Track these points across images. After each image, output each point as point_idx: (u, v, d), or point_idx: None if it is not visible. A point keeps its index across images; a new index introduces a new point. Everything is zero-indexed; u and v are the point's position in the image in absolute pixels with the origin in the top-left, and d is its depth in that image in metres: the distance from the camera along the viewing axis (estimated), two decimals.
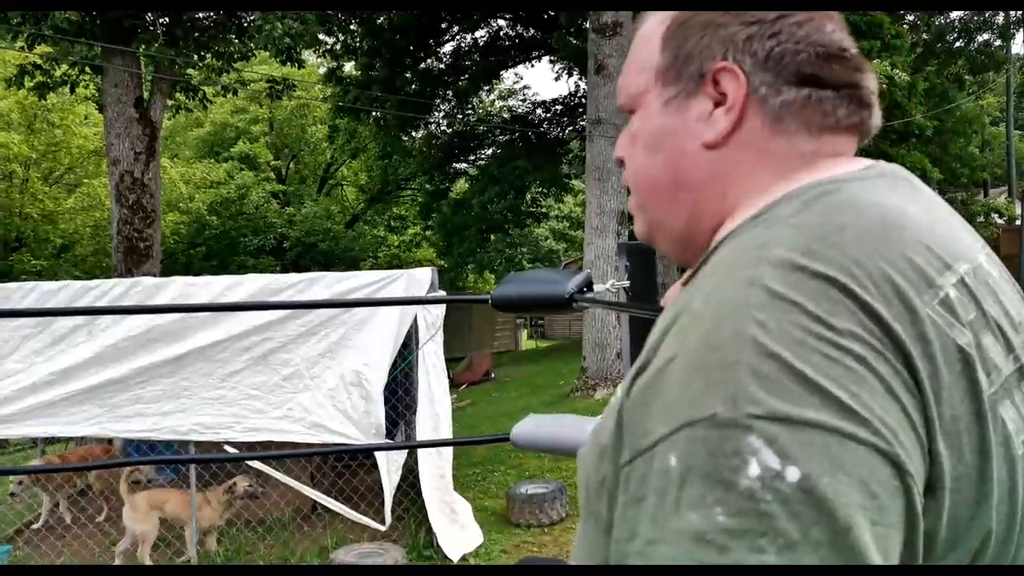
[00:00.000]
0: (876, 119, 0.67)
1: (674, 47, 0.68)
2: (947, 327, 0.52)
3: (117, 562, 4.76)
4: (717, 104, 0.65)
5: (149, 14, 9.12)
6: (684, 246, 0.72)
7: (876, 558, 0.45)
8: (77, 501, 5.58)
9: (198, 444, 4.84)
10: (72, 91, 11.14)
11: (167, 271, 13.13)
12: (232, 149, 22.50)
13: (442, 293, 5.17)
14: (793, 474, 0.45)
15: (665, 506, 0.48)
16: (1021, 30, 16.78)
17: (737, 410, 0.47)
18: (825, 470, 0.45)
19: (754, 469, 0.45)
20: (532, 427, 1.79)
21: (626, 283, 2.61)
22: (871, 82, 0.67)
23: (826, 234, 0.54)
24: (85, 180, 18.54)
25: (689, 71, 0.67)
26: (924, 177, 16.70)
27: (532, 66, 18.68)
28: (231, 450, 4.75)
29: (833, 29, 0.66)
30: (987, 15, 16.26)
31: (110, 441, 5.69)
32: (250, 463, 5.02)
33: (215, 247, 21.31)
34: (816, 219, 0.56)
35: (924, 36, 17.46)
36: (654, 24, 0.71)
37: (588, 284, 1.79)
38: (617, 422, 0.56)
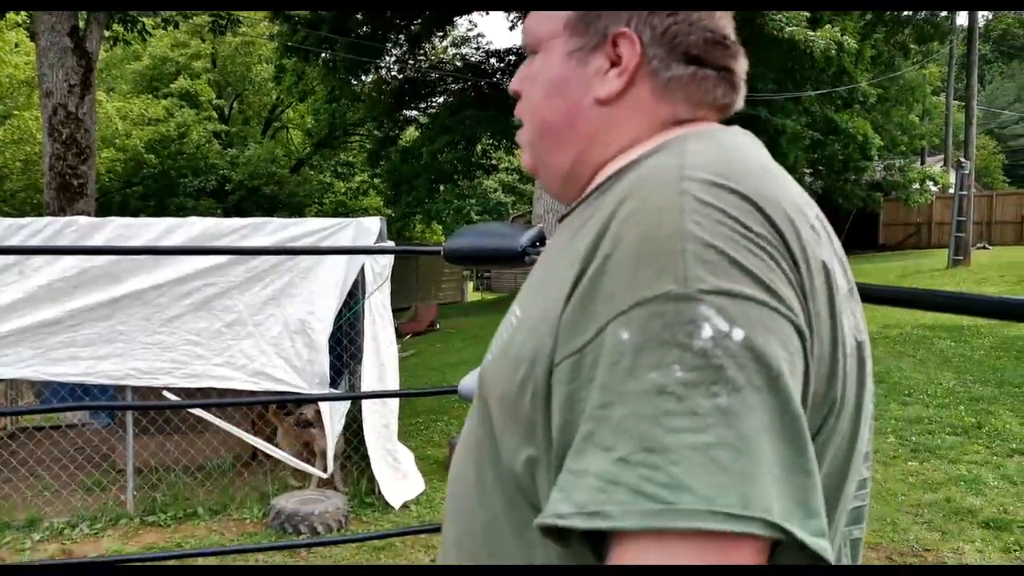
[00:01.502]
0: (741, 101, 0.79)
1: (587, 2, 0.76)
2: (815, 245, 0.64)
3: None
4: (613, 64, 0.75)
5: None
6: (564, 183, 0.81)
7: (796, 398, 0.56)
8: None
9: (135, 390, 4.75)
10: (2, 16, 10.51)
11: (102, 210, 12.66)
12: (172, 85, 21.58)
13: (391, 243, 5.12)
14: (738, 334, 0.55)
15: (617, 373, 0.56)
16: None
17: (688, 287, 0.56)
18: (760, 332, 0.56)
19: (707, 332, 0.55)
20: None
21: None
22: (743, 67, 0.78)
23: (730, 164, 0.64)
24: (15, 112, 17.63)
25: (595, 27, 0.75)
26: (866, 142, 17.07)
27: (487, 14, 18.31)
28: (171, 396, 4.67)
29: (721, 16, 0.76)
30: None
31: None
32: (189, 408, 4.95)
33: (153, 187, 20.57)
34: (716, 154, 0.66)
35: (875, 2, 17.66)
36: None
37: (541, 239, 1.80)
38: (552, 328, 0.63)
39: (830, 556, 0.54)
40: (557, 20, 0.78)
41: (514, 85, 0.84)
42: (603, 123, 0.76)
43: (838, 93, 15.77)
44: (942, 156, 24.72)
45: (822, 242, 0.65)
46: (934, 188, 21.55)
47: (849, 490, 0.69)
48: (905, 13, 17.02)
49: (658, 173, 0.64)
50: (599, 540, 0.56)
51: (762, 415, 0.54)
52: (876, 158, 18.37)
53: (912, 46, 19.54)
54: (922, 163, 25.02)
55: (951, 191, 18.35)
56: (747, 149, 0.70)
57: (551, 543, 0.58)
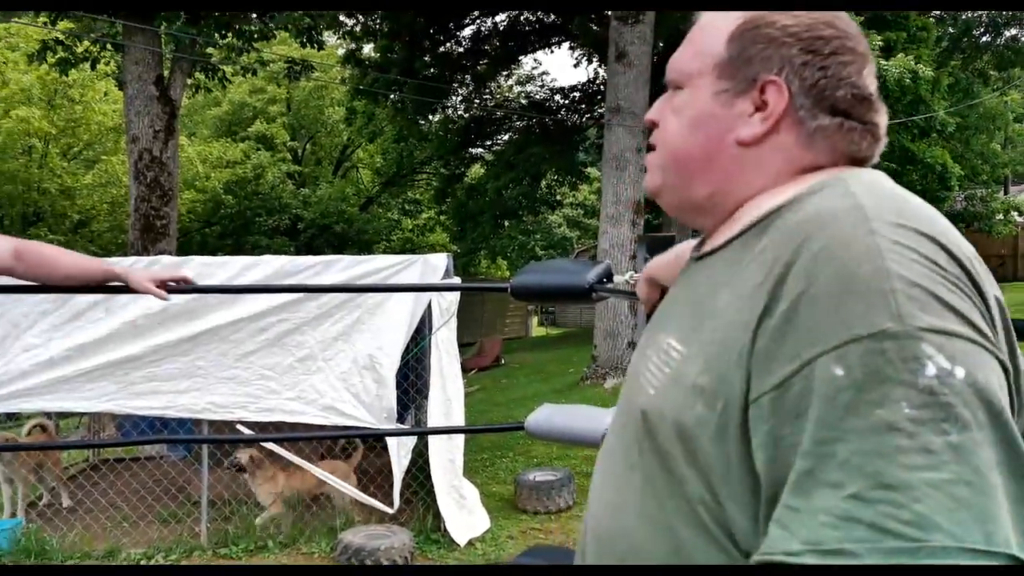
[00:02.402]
0: (879, 154, 0.81)
1: (739, 47, 0.78)
2: (988, 284, 0.65)
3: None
4: (757, 108, 0.77)
5: None
6: (692, 212, 0.85)
7: (1017, 432, 0.57)
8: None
9: (211, 423, 4.88)
10: (93, 67, 11.15)
11: (182, 249, 13.18)
12: (249, 129, 22.49)
13: (457, 279, 5.17)
14: (960, 372, 0.56)
15: (835, 410, 0.57)
16: None
17: (906, 325, 0.57)
18: (979, 369, 0.57)
19: (931, 369, 0.56)
20: (546, 417, 1.79)
21: None
22: (885, 121, 0.80)
23: (903, 206, 0.66)
24: (103, 156, 18.61)
25: (745, 72, 0.78)
26: (945, 173, 16.49)
27: (551, 52, 18.52)
28: (244, 430, 4.78)
29: (868, 72, 0.78)
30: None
31: (43, 428, 5.68)
32: (262, 443, 5.05)
33: (230, 226, 21.36)
34: (886, 196, 0.68)
35: (950, 30, 17.20)
36: (726, 18, 0.81)
37: (608, 275, 1.79)
38: (737, 362, 0.64)
39: None
40: (706, 60, 0.81)
41: (652, 115, 0.88)
42: (741, 163, 0.79)
43: (914, 122, 15.33)
44: None
45: (991, 279, 0.67)
46: (1019, 219, 20.62)
47: None
48: (984, 39, 16.50)
49: (837, 213, 0.66)
50: None
51: (990, 451, 0.55)
52: (956, 188, 17.71)
53: (992, 72, 18.89)
54: (1006, 192, 24.01)
55: None
56: (901, 190, 0.72)
57: None
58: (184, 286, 2.07)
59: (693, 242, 0.94)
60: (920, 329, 0.57)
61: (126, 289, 1.95)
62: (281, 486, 4.97)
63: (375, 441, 5.75)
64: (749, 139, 0.77)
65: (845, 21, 0.78)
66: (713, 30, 0.81)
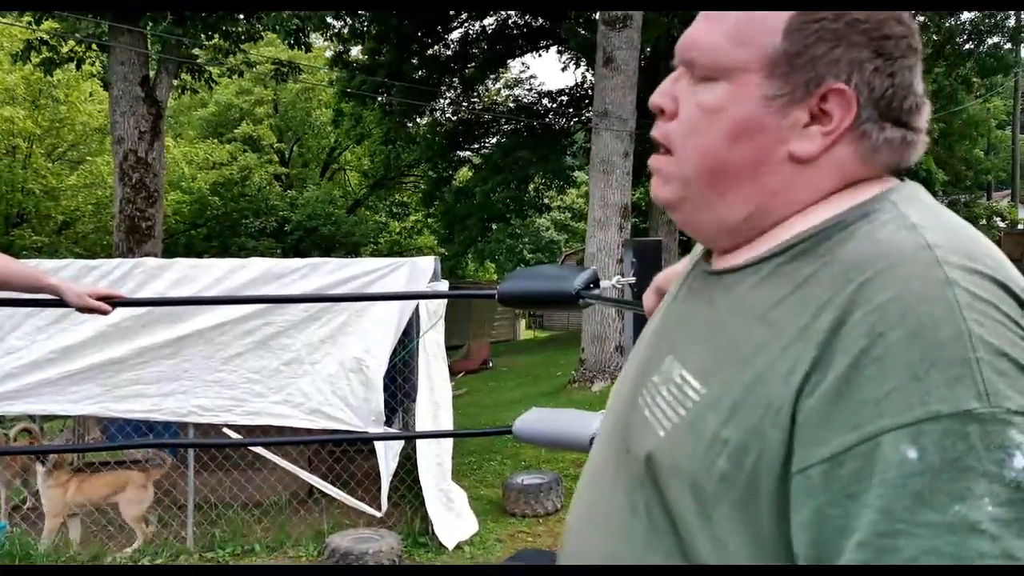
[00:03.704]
0: None
1: (800, 41, 0.64)
2: None
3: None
4: (813, 118, 0.65)
5: None
6: (723, 232, 0.71)
7: None
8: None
9: (197, 426, 4.85)
10: (78, 68, 11.09)
11: (168, 251, 13.10)
12: (236, 130, 22.41)
13: (444, 283, 5.17)
14: None
15: (904, 498, 0.49)
16: None
17: (994, 406, 0.49)
18: None
19: (1019, 462, 0.48)
20: (535, 420, 1.80)
21: (631, 279, 2.61)
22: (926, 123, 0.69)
23: (969, 242, 0.58)
24: (88, 157, 18.48)
25: (804, 75, 0.64)
26: (929, 178, 16.69)
27: (539, 56, 18.68)
28: (231, 433, 4.76)
29: (920, 78, 0.68)
30: (999, 17, 16.18)
31: (30, 432, 5.62)
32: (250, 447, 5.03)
33: (216, 228, 21.26)
34: (947, 229, 0.59)
35: (934, 37, 17.38)
36: None
37: (594, 281, 1.80)
38: (776, 420, 0.56)
39: None
40: (754, 52, 0.65)
41: (661, 101, 0.72)
42: (791, 180, 0.66)
43: None
44: (1009, 191, 23.97)
45: None
46: (1002, 224, 20.87)
47: None
48: (967, 47, 16.67)
49: (903, 253, 0.57)
50: None
51: None
52: (940, 193, 17.95)
53: (975, 79, 19.10)
54: (988, 198, 24.28)
55: (1020, 227, 17.72)
56: (948, 212, 0.64)
57: None
58: (126, 299, 2.02)
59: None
60: (1009, 411, 0.49)
61: (60, 303, 1.87)
62: (71, 494, 4.72)
63: (363, 444, 5.73)
64: (805, 155, 0.65)
65: (908, 14, 0.66)
66: (763, 14, 0.65)
